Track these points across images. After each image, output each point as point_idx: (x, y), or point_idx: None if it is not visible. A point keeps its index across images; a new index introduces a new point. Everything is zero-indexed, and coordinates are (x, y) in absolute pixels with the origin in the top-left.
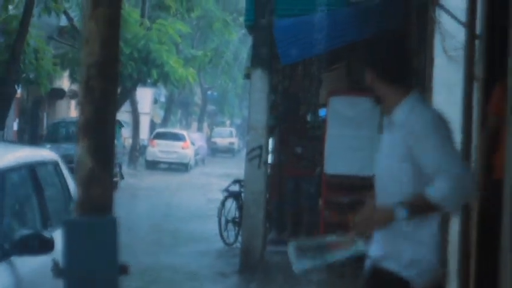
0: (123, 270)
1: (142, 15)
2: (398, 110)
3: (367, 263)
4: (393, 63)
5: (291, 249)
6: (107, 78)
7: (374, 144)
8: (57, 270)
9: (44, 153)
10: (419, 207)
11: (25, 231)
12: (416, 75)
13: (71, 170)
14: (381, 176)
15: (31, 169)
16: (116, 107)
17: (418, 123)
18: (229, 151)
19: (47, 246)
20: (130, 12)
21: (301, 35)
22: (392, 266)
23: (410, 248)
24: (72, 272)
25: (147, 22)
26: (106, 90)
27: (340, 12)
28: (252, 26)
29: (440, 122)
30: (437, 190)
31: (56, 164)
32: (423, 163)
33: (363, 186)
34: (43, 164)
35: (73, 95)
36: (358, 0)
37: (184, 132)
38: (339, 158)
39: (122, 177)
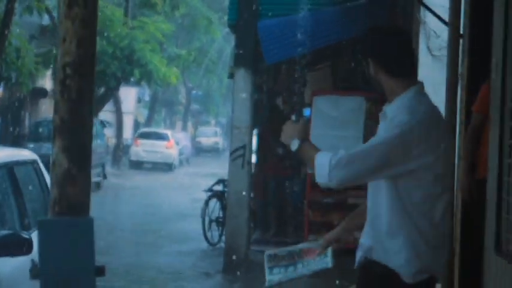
0: (100, 271)
1: (125, 14)
2: (394, 102)
3: (358, 253)
4: (396, 56)
5: (265, 260)
6: (83, 77)
7: (359, 144)
8: (35, 271)
9: (23, 153)
10: (306, 151)
11: (3, 232)
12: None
13: None
14: None
15: (9, 169)
16: (92, 107)
17: (394, 121)
18: (214, 150)
19: (25, 246)
20: (114, 11)
21: (285, 34)
22: (381, 257)
23: (396, 240)
24: (47, 272)
25: (130, 21)
26: (82, 90)
27: (324, 11)
28: (235, 26)
29: (411, 131)
30: (322, 157)
31: (35, 164)
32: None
33: (347, 186)
34: (21, 163)
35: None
36: None
37: (168, 132)
38: None
39: (105, 177)
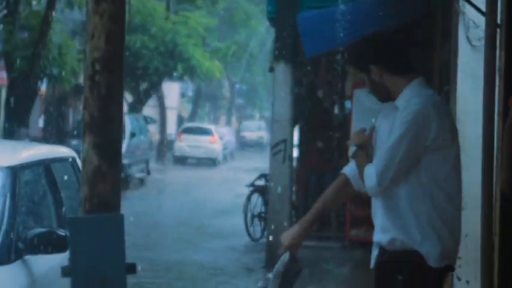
0: (131, 268)
1: (167, 9)
2: (401, 95)
3: (375, 252)
4: (398, 55)
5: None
6: (113, 73)
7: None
8: (66, 269)
9: (61, 150)
10: (358, 160)
11: (39, 230)
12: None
13: None
14: None
15: (45, 166)
16: (122, 103)
17: (406, 111)
18: (258, 145)
19: (61, 244)
20: (156, 6)
21: (325, 26)
22: (405, 245)
23: (417, 226)
24: (78, 270)
25: (172, 16)
26: (111, 86)
27: (364, 2)
28: (275, 19)
29: (423, 119)
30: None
31: (73, 161)
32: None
33: None
34: (59, 160)
35: None
36: None
37: (212, 127)
38: None
39: (149, 173)
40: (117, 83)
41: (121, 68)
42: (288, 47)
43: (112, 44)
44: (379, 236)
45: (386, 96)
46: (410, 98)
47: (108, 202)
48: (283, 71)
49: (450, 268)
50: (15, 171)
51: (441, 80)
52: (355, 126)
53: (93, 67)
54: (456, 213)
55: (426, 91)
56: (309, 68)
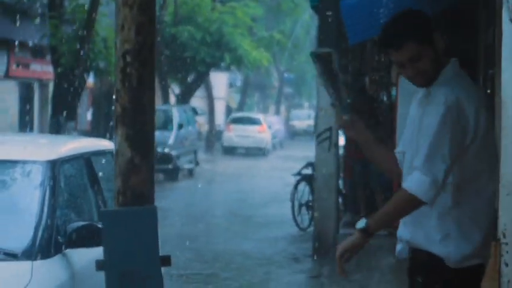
0: (165, 261)
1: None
2: (439, 79)
3: (398, 247)
4: (432, 31)
5: None
6: (144, 65)
7: None
8: (100, 263)
9: (102, 143)
10: (389, 214)
11: (79, 223)
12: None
13: None
14: (407, 157)
15: (86, 159)
16: (154, 94)
17: (437, 101)
18: (307, 134)
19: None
20: None
21: (369, 13)
22: (423, 244)
23: (438, 224)
24: (111, 263)
25: (218, 6)
26: (143, 77)
27: None
28: (318, 7)
29: (457, 102)
30: (410, 181)
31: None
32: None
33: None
34: (100, 153)
35: None
36: None
37: (260, 116)
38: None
39: (197, 164)
40: (149, 75)
41: (152, 60)
42: (331, 34)
43: (142, 35)
44: (402, 230)
45: (435, 75)
46: (444, 85)
47: (142, 194)
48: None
49: (481, 266)
50: (54, 165)
51: (486, 63)
52: (400, 112)
53: (124, 59)
54: (486, 208)
55: (459, 77)
56: (353, 55)
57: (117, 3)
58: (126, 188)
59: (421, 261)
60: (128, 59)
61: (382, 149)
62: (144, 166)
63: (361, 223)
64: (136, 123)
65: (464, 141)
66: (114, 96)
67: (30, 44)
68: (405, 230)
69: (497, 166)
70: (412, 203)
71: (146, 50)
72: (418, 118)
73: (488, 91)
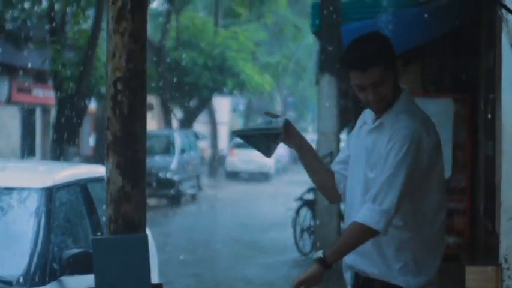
0: None
1: (215, 24)
2: (393, 108)
3: (347, 275)
4: (395, 57)
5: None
6: (135, 92)
7: (447, 147)
8: None
9: (99, 170)
10: (344, 246)
11: (75, 250)
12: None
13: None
14: (353, 186)
15: (82, 186)
16: (146, 122)
17: (398, 132)
18: None
19: None
20: (205, 21)
21: None
22: (380, 274)
23: (396, 255)
24: None
25: (221, 31)
26: (134, 105)
27: (408, 13)
28: (319, 32)
29: (420, 134)
30: (361, 212)
31: None
32: (373, 174)
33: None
34: (96, 180)
35: (149, 107)
36: (427, 0)
37: None
38: None
39: (200, 189)
40: (140, 103)
41: (144, 87)
42: (332, 60)
43: (133, 62)
44: (353, 258)
45: (392, 101)
46: (398, 113)
47: (134, 222)
48: (328, 83)
49: None
50: (50, 192)
51: (487, 88)
52: None
53: (115, 87)
54: (439, 236)
55: (414, 106)
56: None
57: (108, 30)
58: (118, 215)
59: None
60: (119, 86)
61: (318, 162)
62: (135, 194)
63: (318, 253)
64: (128, 151)
65: (419, 175)
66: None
67: (32, 69)
68: (359, 258)
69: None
70: (366, 233)
71: (137, 78)
72: (367, 147)
73: (489, 115)
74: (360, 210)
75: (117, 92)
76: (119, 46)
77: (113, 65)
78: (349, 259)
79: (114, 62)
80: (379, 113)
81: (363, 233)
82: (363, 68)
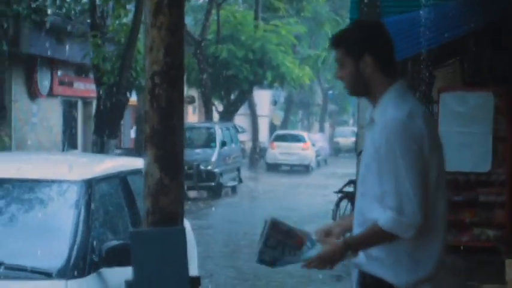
0: (194, 282)
1: (255, 18)
2: (379, 104)
3: (354, 274)
4: (388, 51)
5: (267, 225)
6: (172, 86)
7: (487, 141)
8: (129, 283)
9: (139, 163)
10: (367, 240)
11: (114, 242)
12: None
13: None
14: (360, 176)
15: (122, 179)
16: (183, 115)
17: (387, 126)
18: (352, 150)
19: None
20: (246, 15)
21: (410, 30)
22: (375, 270)
23: (390, 253)
24: (141, 284)
25: (261, 25)
26: (171, 99)
27: (448, 5)
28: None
29: (411, 129)
30: (385, 220)
31: None
32: (380, 179)
33: (477, 183)
34: (136, 172)
35: (190, 100)
36: None
37: (304, 133)
38: (452, 155)
39: (241, 181)
40: (178, 96)
41: (181, 81)
42: None
43: (171, 56)
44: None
45: (363, 92)
46: (385, 107)
47: (171, 215)
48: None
49: None
50: (90, 185)
51: None
52: (441, 130)
53: (153, 80)
54: (440, 236)
55: (403, 98)
56: None
57: (146, 24)
58: (156, 208)
59: (371, 285)
60: (157, 80)
61: None
62: (173, 187)
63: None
64: (166, 144)
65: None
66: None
67: (73, 62)
68: (361, 256)
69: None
70: (391, 239)
71: (175, 71)
72: (366, 145)
73: None
74: (382, 216)
75: (155, 85)
76: (157, 40)
77: (151, 58)
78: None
79: (152, 56)
80: (355, 95)
81: (386, 239)
82: (332, 46)
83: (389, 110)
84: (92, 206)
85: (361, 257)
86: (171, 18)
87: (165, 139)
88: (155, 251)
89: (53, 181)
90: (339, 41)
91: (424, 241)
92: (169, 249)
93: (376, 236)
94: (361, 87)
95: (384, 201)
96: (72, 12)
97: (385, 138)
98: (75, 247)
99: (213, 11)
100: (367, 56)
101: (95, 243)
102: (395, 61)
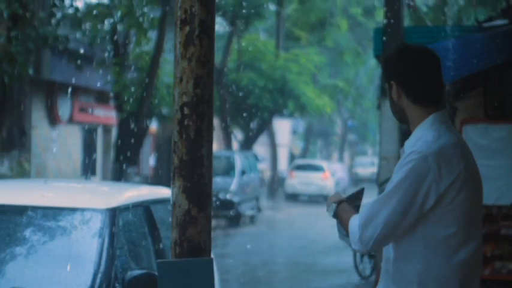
0: None
1: (277, 47)
2: (413, 133)
3: None
4: (420, 78)
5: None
6: (201, 117)
7: (510, 173)
8: None
9: (162, 191)
10: (341, 215)
11: (138, 272)
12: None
13: None
14: None
15: (145, 208)
16: (212, 146)
17: (409, 154)
18: (371, 181)
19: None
20: (266, 43)
21: None
22: None
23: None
24: None
25: (282, 54)
26: (200, 130)
27: (472, 37)
28: (381, 57)
29: (425, 163)
30: (354, 220)
31: None
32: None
33: (499, 216)
34: (159, 202)
35: None
36: (490, 25)
37: (323, 163)
38: None
39: (259, 210)
40: (206, 127)
41: (210, 112)
42: None
43: (200, 88)
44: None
45: (404, 118)
46: (418, 139)
47: (199, 246)
48: (390, 108)
49: None
50: (114, 213)
51: None
52: None
53: (182, 111)
54: (453, 276)
55: (437, 136)
56: None
57: (176, 55)
58: (183, 239)
59: None
60: (186, 111)
61: None
62: (201, 218)
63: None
64: (194, 175)
65: (422, 207)
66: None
67: (94, 89)
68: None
69: (471, 228)
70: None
71: (204, 103)
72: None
73: None
74: (355, 221)
75: (184, 116)
76: (187, 71)
77: (180, 89)
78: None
79: (182, 87)
80: (401, 122)
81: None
82: (383, 75)
83: (420, 144)
84: (116, 234)
85: None
86: (201, 50)
87: (194, 170)
88: (183, 282)
89: (78, 209)
90: (383, 69)
91: (443, 281)
92: (197, 281)
93: (346, 223)
94: (401, 114)
95: (364, 207)
96: (94, 39)
97: (397, 171)
98: (99, 275)
99: (234, 40)
100: (394, 84)
101: (118, 272)
102: (432, 89)
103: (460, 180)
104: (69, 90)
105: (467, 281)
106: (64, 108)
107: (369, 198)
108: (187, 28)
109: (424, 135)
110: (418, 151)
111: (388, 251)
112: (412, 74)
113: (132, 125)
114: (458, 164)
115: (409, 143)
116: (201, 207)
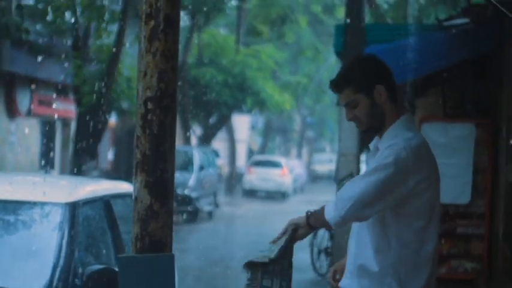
0: None
1: (237, 42)
2: (387, 134)
3: None
4: (391, 77)
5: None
6: (165, 112)
7: (467, 173)
8: None
9: (122, 186)
10: (316, 219)
11: (97, 267)
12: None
13: None
14: None
15: (105, 202)
16: (174, 141)
17: (386, 152)
18: (329, 178)
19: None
20: (227, 39)
21: (393, 60)
22: None
23: (380, 276)
24: None
25: (242, 49)
26: (164, 124)
27: (432, 36)
28: (342, 54)
29: (406, 158)
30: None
31: None
32: None
33: (456, 215)
34: (119, 196)
35: None
36: (450, 24)
37: (282, 160)
38: None
39: (217, 206)
40: (170, 122)
41: (174, 107)
42: None
43: (165, 82)
44: (347, 283)
45: (380, 123)
46: (394, 136)
47: (160, 241)
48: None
49: None
50: (74, 207)
51: (509, 114)
52: None
53: (146, 106)
54: (426, 263)
55: (410, 131)
56: None
57: (140, 49)
58: (145, 234)
59: None
60: (150, 105)
61: None
62: (163, 213)
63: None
64: (157, 170)
65: (397, 191)
66: (134, 142)
67: (53, 82)
68: (349, 281)
69: (435, 223)
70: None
71: (168, 97)
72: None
73: (511, 141)
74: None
75: (148, 111)
76: (151, 65)
77: (144, 84)
78: (343, 282)
79: (146, 81)
80: (364, 131)
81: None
82: (336, 89)
83: (395, 142)
84: (76, 229)
85: (353, 286)
86: (165, 44)
87: (156, 165)
88: (144, 277)
89: (37, 203)
90: (344, 83)
91: (414, 273)
92: (158, 276)
93: (322, 212)
94: (378, 119)
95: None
96: (55, 32)
97: (384, 154)
98: (58, 269)
99: (194, 34)
100: (379, 86)
101: (77, 266)
102: (397, 90)
103: (432, 176)
104: (29, 82)
105: (434, 272)
106: (23, 100)
107: (327, 195)
108: (152, 22)
109: (400, 133)
110: (398, 144)
111: (354, 246)
112: (390, 74)
113: (92, 119)
114: (431, 161)
115: (384, 140)
116: (163, 203)
